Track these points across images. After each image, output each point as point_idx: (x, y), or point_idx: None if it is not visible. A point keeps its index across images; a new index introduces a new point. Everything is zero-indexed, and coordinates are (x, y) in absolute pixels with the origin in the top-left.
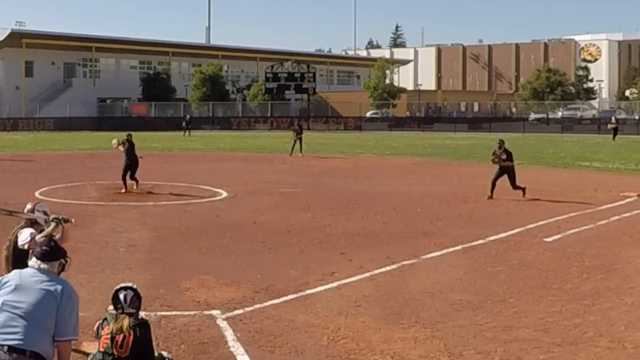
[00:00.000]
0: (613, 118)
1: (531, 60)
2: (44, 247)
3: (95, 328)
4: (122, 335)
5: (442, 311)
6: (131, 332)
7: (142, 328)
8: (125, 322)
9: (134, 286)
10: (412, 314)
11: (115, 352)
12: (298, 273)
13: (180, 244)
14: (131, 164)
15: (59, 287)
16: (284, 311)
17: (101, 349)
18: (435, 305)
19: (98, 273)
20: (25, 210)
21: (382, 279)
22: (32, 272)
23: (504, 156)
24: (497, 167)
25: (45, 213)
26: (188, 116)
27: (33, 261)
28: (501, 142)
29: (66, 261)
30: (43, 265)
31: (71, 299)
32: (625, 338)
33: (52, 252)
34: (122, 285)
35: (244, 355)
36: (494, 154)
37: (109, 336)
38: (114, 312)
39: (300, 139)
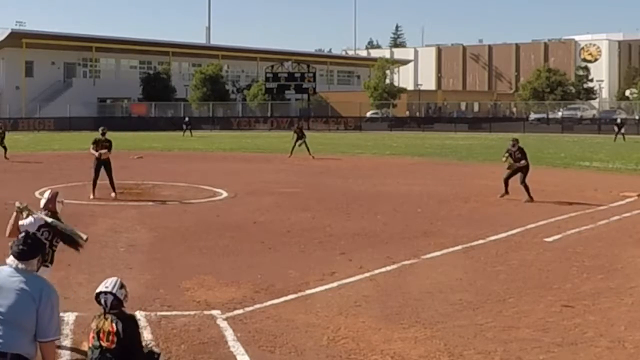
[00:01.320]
0: (619, 119)
1: (531, 60)
2: (20, 246)
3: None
4: (106, 331)
5: (442, 311)
6: (114, 326)
7: (125, 322)
8: (107, 324)
9: (114, 290)
10: (412, 314)
11: (103, 344)
12: (298, 273)
13: (180, 244)
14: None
15: (38, 288)
16: (284, 311)
17: (89, 344)
18: (435, 305)
19: (98, 273)
20: (44, 199)
21: (382, 279)
22: (10, 272)
23: (518, 155)
24: (507, 165)
25: (61, 203)
26: (187, 118)
27: (10, 260)
28: (515, 141)
29: (46, 253)
30: (20, 265)
31: (50, 299)
32: (625, 338)
33: (29, 250)
34: (102, 289)
35: (244, 355)
36: (508, 153)
37: (95, 331)
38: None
39: (305, 142)
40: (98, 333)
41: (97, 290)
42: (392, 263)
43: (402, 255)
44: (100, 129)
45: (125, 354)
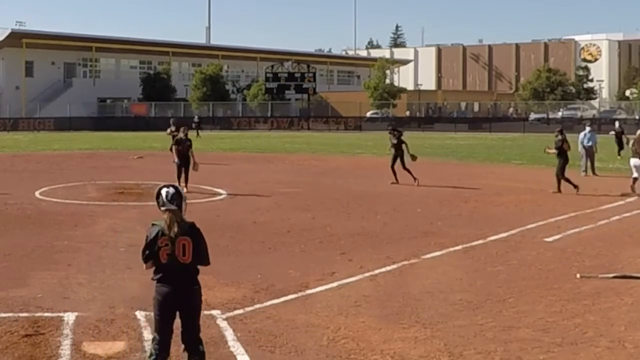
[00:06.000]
0: (617, 124)
1: (531, 60)
2: None
3: (142, 250)
4: (182, 243)
5: (442, 311)
6: (189, 239)
7: (194, 229)
8: (174, 228)
9: (176, 184)
10: (412, 314)
11: (180, 260)
12: (298, 273)
13: None
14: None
15: None
16: (284, 311)
17: (163, 260)
18: (435, 305)
19: (98, 273)
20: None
21: (382, 279)
22: None
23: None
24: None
25: None
26: (196, 117)
27: None
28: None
29: None
30: None
31: None
32: (625, 338)
33: None
34: (165, 184)
35: (244, 355)
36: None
37: (169, 243)
38: (159, 223)
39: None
40: (174, 242)
41: (161, 185)
42: (392, 263)
43: (402, 255)
44: (182, 129)
45: (196, 263)
